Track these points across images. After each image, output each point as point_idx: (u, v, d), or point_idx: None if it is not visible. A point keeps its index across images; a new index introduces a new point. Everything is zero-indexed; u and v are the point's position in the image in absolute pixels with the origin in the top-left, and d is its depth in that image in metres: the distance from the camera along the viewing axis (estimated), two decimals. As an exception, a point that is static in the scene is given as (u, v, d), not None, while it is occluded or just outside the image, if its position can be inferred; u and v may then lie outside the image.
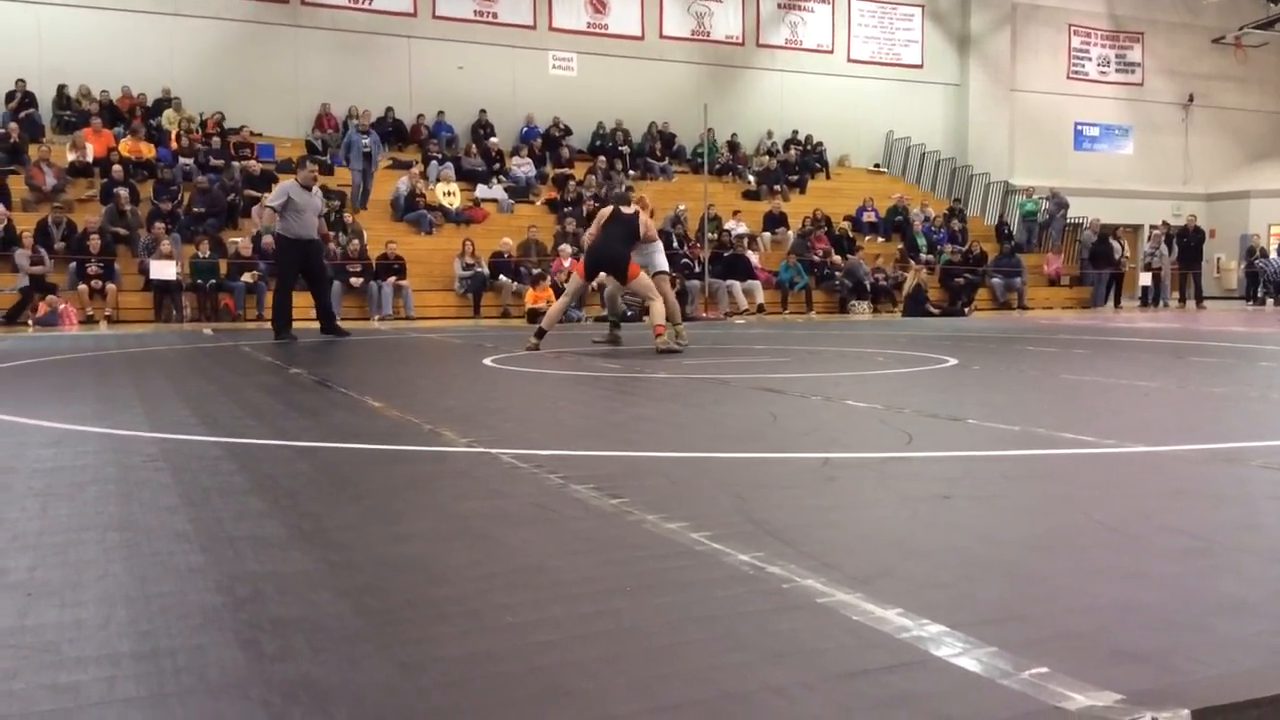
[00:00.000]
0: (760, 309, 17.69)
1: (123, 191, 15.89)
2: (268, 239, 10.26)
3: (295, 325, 10.63)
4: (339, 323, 10.86)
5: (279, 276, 10.99)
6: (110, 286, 14.58)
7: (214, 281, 15.06)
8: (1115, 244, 21.52)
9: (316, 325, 11.02)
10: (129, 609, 1.88)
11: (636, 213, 8.97)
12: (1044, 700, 1.40)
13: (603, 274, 9.05)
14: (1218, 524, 2.50)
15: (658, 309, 8.67)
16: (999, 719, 1.35)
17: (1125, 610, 1.81)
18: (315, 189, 10.94)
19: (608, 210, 9.05)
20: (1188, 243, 22.25)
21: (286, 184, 10.88)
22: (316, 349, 9.43)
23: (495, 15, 21.21)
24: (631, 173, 20.86)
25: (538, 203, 19.61)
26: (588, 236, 9.42)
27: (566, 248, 16.92)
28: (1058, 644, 1.63)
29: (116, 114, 18.28)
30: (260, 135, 19.01)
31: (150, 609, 1.88)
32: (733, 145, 22.53)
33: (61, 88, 18.24)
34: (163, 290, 14.74)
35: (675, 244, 17.93)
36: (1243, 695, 1.40)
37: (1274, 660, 1.56)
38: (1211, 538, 2.35)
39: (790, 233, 19.74)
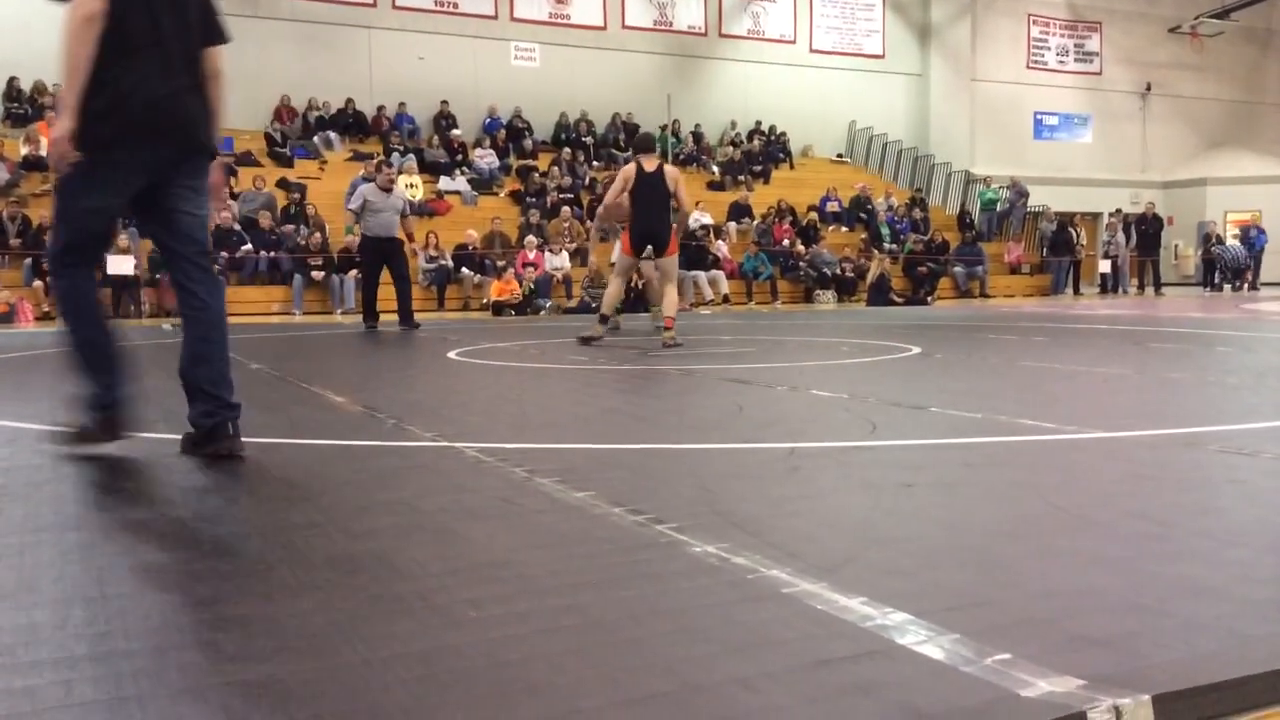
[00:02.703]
0: (725, 299, 17.73)
1: (78, 185, 15.63)
2: (350, 238, 11.70)
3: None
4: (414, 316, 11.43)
5: (362, 273, 12.04)
6: (66, 282, 14.34)
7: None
8: (1072, 231, 21.76)
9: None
10: (86, 610, 1.85)
11: (661, 166, 8.33)
12: (1006, 687, 1.41)
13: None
14: (1177, 508, 2.53)
15: (672, 299, 8.25)
16: (962, 706, 1.36)
17: (1087, 596, 1.83)
18: (396, 189, 11.53)
19: (630, 168, 8.28)
20: (1146, 230, 22.55)
21: (364, 186, 11.53)
22: (280, 344, 9.34)
23: (456, 5, 21.04)
24: (595, 163, 20.80)
25: (501, 195, 19.51)
26: (610, 197, 8.70)
27: (531, 239, 16.86)
28: (1020, 630, 1.64)
29: (71, 107, 17.98)
30: (219, 128, 18.76)
31: (108, 610, 1.85)
32: (696, 136, 22.53)
33: (13, 80, 17.89)
34: (121, 285, 14.53)
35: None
36: (1203, 679, 1.42)
37: (1234, 644, 1.58)
38: (1171, 522, 2.38)
39: (755, 223, 19.79)
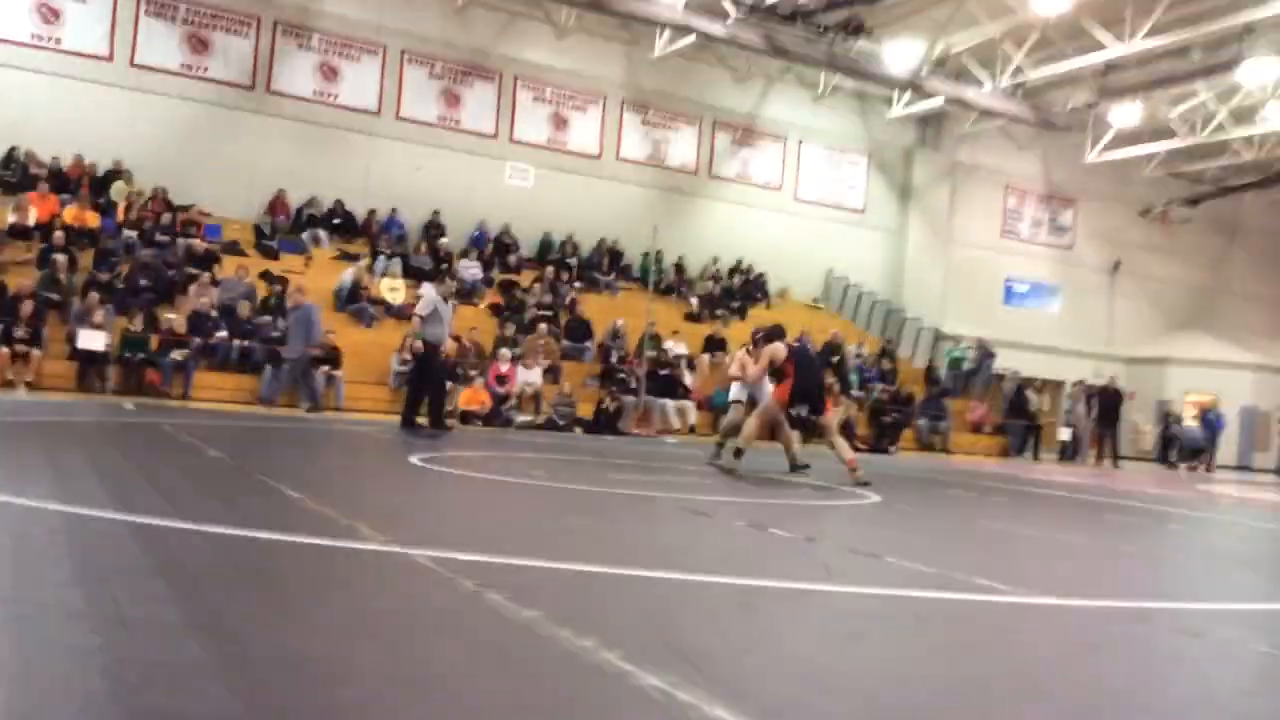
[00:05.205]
0: (691, 429, 17.77)
1: (60, 258, 15.62)
2: (417, 344, 11.86)
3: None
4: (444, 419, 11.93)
5: (424, 378, 11.95)
6: (35, 353, 14.21)
7: (143, 355, 14.76)
8: (1032, 396, 22.14)
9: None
10: (8, 690, 1.80)
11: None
12: None
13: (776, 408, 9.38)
14: (1122, 681, 2.53)
15: (843, 444, 9.21)
16: None
17: (1025, 762, 1.82)
18: (451, 300, 12.07)
19: (781, 349, 9.31)
20: (1107, 402, 22.94)
21: (432, 295, 11.90)
22: (242, 433, 9.24)
23: (458, 122, 21.55)
24: (578, 284, 21.07)
25: (481, 306, 19.66)
26: (757, 371, 9.76)
27: (505, 351, 16.94)
28: (957, 791, 1.63)
29: (65, 181, 18.10)
30: (209, 215, 18.90)
31: (31, 691, 1.80)
32: (679, 267, 22.93)
33: (13, 150, 18.05)
34: (88, 360, 14.39)
35: (614, 358, 18.04)
36: None
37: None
38: (1115, 694, 2.38)
39: (728, 357, 19.97)
